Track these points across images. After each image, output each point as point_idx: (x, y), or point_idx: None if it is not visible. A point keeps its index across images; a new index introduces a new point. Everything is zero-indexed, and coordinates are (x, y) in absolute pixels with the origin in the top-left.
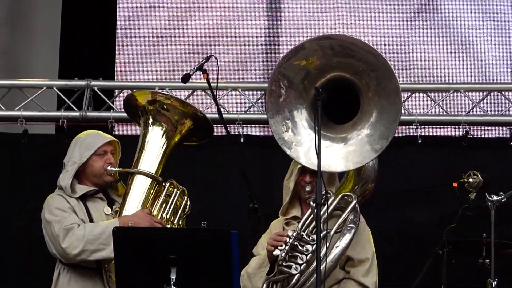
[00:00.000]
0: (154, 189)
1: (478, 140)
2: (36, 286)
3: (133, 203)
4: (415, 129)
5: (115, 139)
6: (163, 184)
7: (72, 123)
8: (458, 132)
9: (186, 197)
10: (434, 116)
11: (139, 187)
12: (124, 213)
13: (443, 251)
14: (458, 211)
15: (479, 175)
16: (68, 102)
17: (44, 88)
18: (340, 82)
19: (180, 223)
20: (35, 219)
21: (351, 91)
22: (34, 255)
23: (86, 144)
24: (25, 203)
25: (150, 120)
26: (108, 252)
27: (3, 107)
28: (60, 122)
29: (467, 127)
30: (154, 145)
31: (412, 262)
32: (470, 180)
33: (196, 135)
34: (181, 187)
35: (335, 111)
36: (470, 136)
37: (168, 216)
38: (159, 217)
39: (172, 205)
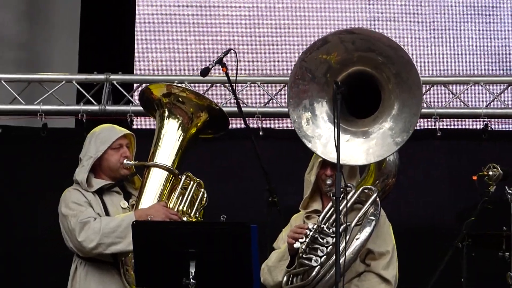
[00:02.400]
0: (170, 182)
1: (498, 132)
2: (53, 280)
3: (150, 196)
4: (435, 122)
5: (130, 132)
6: (179, 176)
7: (92, 117)
8: (478, 124)
9: (202, 190)
10: (454, 108)
11: (156, 180)
12: (141, 206)
13: (463, 244)
14: (478, 204)
15: (499, 168)
16: (88, 96)
17: (64, 82)
18: (361, 76)
19: (197, 215)
20: (54, 213)
21: (372, 85)
22: (52, 249)
23: (101, 138)
24: (44, 197)
25: (166, 113)
26: (124, 245)
27: (22, 101)
28: (80, 116)
29: (486, 119)
30: (170, 138)
31: (432, 255)
32: (490, 173)
33: (211, 128)
34: (197, 179)
35: (356, 105)
36: (490, 128)
37: (184, 209)
38: (175, 210)
39: (189, 198)
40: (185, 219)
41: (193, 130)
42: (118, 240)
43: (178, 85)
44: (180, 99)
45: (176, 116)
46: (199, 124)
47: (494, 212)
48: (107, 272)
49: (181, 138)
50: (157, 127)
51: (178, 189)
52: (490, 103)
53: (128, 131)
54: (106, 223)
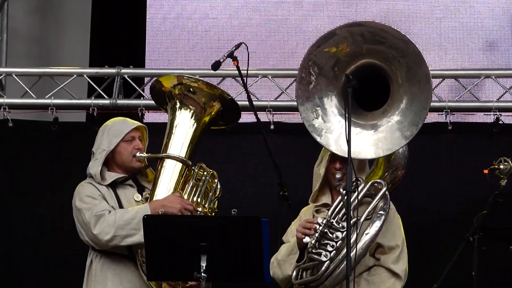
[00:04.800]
0: (184, 173)
1: (509, 126)
2: (68, 273)
3: (164, 187)
4: (446, 116)
5: (142, 125)
6: (193, 167)
7: (103, 111)
8: (489, 118)
9: (216, 180)
10: (465, 102)
11: (169, 171)
12: (155, 198)
13: (474, 238)
14: (489, 197)
15: (510, 162)
16: (99, 90)
17: (75, 76)
18: (370, 69)
19: (211, 206)
20: (67, 206)
21: (381, 78)
22: (65, 243)
23: (114, 131)
24: (56, 190)
25: (178, 105)
26: (139, 237)
27: (33, 95)
28: (91, 110)
29: (498, 113)
30: (183, 129)
31: (442, 248)
32: (501, 166)
33: (223, 118)
34: (210, 170)
35: (365, 98)
36: (501, 122)
37: (199, 200)
38: (190, 201)
39: (203, 189)
40: (200, 209)
41: (206, 119)
42: (133, 232)
43: (188, 75)
44: (191, 89)
45: (188, 107)
46: (212, 114)
47: (505, 206)
48: (122, 264)
49: (194, 128)
50: (169, 120)
51: (192, 180)
52: (501, 97)
53: (140, 124)
54: (120, 215)
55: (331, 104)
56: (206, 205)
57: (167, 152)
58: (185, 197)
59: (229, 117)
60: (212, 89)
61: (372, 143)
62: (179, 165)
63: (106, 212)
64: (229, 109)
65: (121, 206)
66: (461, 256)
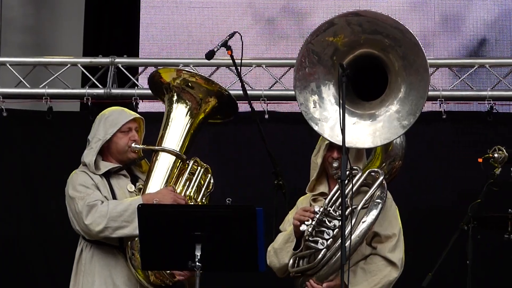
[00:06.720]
0: (178, 167)
1: (503, 115)
2: (58, 262)
3: (157, 180)
4: (440, 105)
5: (140, 116)
6: (187, 161)
7: (97, 100)
8: (483, 107)
9: (209, 175)
10: (459, 91)
11: (163, 164)
12: (148, 190)
13: (468, 227)
14: (483, 186)
15: (504, 150)
16: (93, 79)
17: (69, 65)
18: (368, 58)
19: (203, 201)
20: (60, 195)
21: (380, 68)
22: (58, 231)
23: (111, 121)
24: (49, 180)
25: (175, 98)
26: (131, 229)
27: (28, 85)
28: (85, 99)
29: (492, 102)
30: (178, 122)
31: (437, 237)
32: (495, 155)
33: (220, 113)
34: (204, 165)
35: (363, 88)
36: (495, 111)
37: (191, 194)
38: (182, 195)
39: (196, 183)
40: (192, 204)
41: (201, 116)
42: (125, 224)
43: (187, 70)
44: (189, 84)
45: (185, 101)
46: (207, 110)
47: (500, 195)
48: (112, 255)
49: (189, 123)
50: (166, 111)
51: (186, 174)
52: (495, 86)
53: (138, 115)
54: (113, 206)
55: (329, 93)
56: (198, 200)
57: (162, 145)
58: (178, 191)
59: (226, 112)
60: (209, 84)
61: (370, 132)
62: (174, 158)
63: (98, 202)
64: (225, 104)
65: (114, 196)
66: (456, 245)
